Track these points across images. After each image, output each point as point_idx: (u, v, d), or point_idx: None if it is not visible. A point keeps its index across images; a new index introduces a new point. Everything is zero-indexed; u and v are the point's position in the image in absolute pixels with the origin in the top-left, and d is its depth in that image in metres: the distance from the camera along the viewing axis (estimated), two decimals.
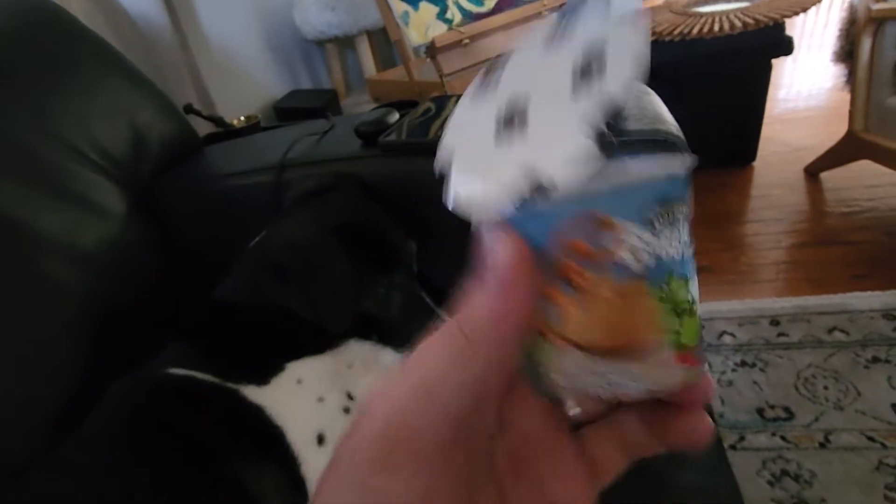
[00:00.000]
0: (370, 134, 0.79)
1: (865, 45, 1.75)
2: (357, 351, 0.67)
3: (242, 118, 1.44)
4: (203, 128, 1.31)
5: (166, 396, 0.57)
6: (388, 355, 0.70)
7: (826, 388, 1.30)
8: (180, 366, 0.60)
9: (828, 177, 2.11)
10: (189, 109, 1.31)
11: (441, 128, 0.77)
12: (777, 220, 1.96)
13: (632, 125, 0.69)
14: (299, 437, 0.56)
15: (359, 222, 0.68)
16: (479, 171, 0.18)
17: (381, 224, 0.69)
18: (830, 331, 1.44)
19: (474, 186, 0.18)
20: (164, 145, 0.95)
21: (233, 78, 1.91)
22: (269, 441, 0.55)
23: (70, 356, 0.68)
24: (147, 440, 0.53)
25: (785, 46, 1.91)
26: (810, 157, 2.13)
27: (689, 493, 0.57)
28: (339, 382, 0.62)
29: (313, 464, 0.55)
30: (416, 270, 0.70)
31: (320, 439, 0.56)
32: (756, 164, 2.29)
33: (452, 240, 0.79)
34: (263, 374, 0.59)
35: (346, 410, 0.60)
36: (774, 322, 1.51)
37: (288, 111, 1.99)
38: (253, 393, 0.57)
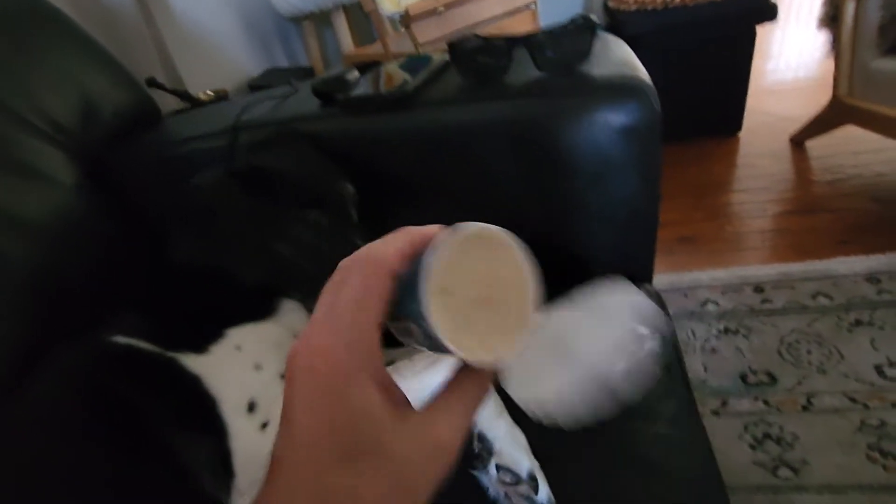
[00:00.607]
0: (328, 93, 0.76)
1: (849, 7, 1.71)
2: (298, 318, 0.64)
3: (210, 92, 1.39)
4: (172, 104, 1.26)
5: (105, 364, 0.55)
6: None
7: (809, 352, 1.29)
8: (124, 334, 0.57)
9: (813, 145, 2.09)
10: (152, 83, 1.25)
11: (402, 82, 0.74)
12: (763, 188, 1.94)
13: (598, 70, 0.67)
14: (231, 405, 0.53)
15: (269, 165, 0.65)
16: None
17: (307, 166, 0.66)
18: (814, 296, 1.43)
19: None
20: (119, 115, 0.91)
21: (204, 55, 1.85)
22: (202, 411, 0.53)
23: (14, 330, 0.65)
24: (81, 406, 0.51)
25: (769, 12, 1.87)
26: (797, 127, 2.11)
27: (656, 445, 0.55)
28: (282, 350, 0.60)
29: (241, 432, 0.53)
30: (356, 219, 0.67)
31: (251, 406, 0.54)
32: (742, 134, 2.26)
33: (405, 198, 0.80)
34: (203, 341, 0.56)
35: (283, 376, 0.57)
36: (758, 289, 1.49)
37: (263, 89, 1.94)
38: (192, 362, 0.55)
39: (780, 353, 1.30)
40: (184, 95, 1.31)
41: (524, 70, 0.70)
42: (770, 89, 2.68)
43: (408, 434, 0.22)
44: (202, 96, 1.35)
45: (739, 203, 1.91)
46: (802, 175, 2.00)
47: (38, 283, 0.69)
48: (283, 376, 0.59)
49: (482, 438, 0.53)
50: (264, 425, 0.53)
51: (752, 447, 1.11)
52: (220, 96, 1.35)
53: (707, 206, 1.90)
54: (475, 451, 0.53)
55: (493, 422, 0.54)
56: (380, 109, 0.72)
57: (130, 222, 0.83)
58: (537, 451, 0.54)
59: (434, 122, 0.71)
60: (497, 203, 0.74)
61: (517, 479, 0.51)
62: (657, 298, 0.76)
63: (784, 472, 1.06)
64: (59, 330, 0.66)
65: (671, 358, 0.68)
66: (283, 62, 2.31)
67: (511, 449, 0.52)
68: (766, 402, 1.20)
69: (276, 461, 0.23)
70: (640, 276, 0.79)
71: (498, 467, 0.51)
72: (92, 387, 0.52)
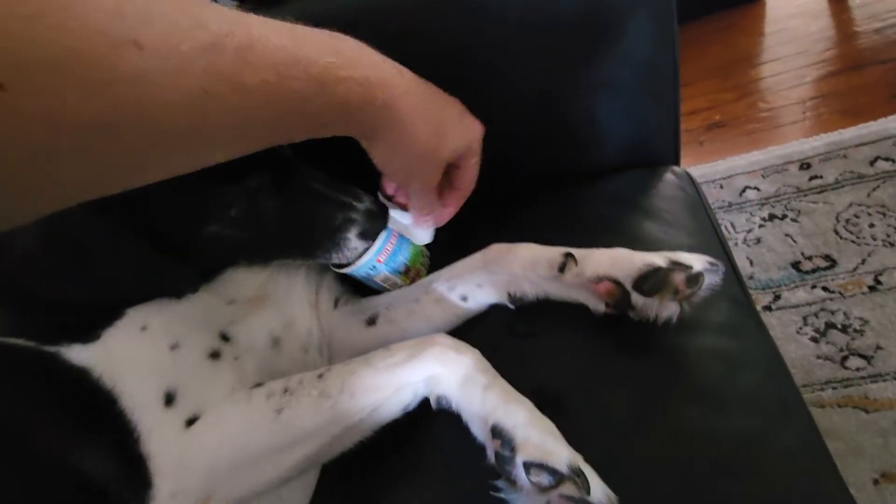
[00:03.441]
0: None
1: None
2: (240, 282, 0.52)
3: None
4: None
5: None
6: (285, 281, 0.55)
7: (872, 225, 1.12)
8: None
9: None
10: None
11: None
12: (798, 53, 1.69)
13: None
14: (138, 399, 0.42)
15: None
16: None
17: None
18: (872, 161, 1.24)
19: None
20: None
21: None
22: (96, 410, 0.42)
23: None
24: None
25: None
26: None
27: (711, 362, 0.43)
28: (210, 322, 0.48)
29: (158, 431, 0.41)
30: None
31: (168, 398, 0.43)
32: None
33: None
34: (93, 326, 0.45)
35: (215, 355, 0.46)
36: (805, 165, 1.31)
37: None
38: (78, 353, 0.43)
39: (836, 233, 1.14)
40: None
41: None
42: None
43: None
44: None
45: (772, 75, 1.68)
46: (844, 29, 1.73)
47: None
48: (213, 355, 0.45)
49: (498, 432, 0.39)
50: (191, 421, 0.42)
51: (814, 340, 0.98)
52: None
53: (735, 85, 1.68)
54: (494, 452, 0.39)
55: (505, 407, 0.40)
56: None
57: None
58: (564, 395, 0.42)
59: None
60: (476, 81, 0.59)
61: (558, 478, 0.36)
62: (689, 182, 0.61)
63: (854, 361, 0.93)
64: None
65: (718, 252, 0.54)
66: None
67: (540, 437, 0.38)
68: (825, 289, 1.05)
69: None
70: (663, 157, 0.64)
71: (528, 466, 0.37)
72: None
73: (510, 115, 0.61)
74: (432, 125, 0.41)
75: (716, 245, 0.54)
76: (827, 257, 1.10)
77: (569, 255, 0.45)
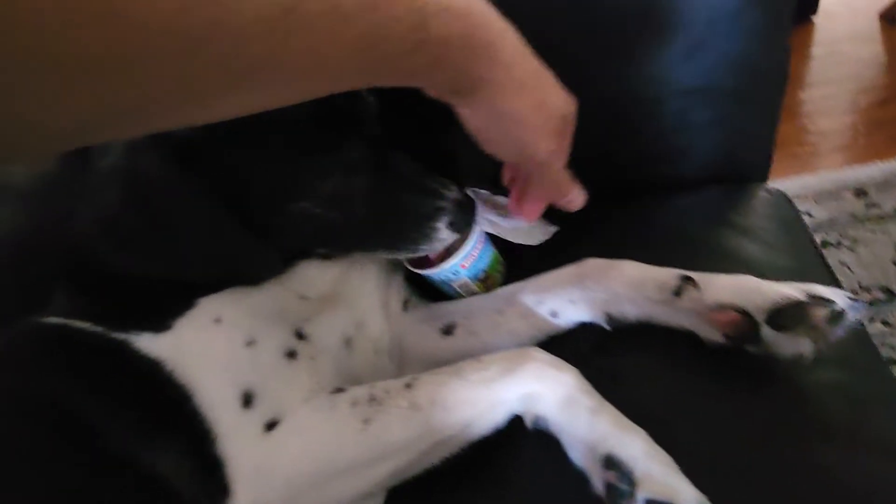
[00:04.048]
0: None
1: None
2: (313, 278, 0.48)
3: None
4: None
5: (32, 354, 0.42)
6: (359, 278, 0.52)
7: None
8: (58, 313, 0.44)
9: None
10: None
11: None
12: (849, 77, 1.65)
13: None
14: (214, 397, 0.39)
15: None
16: None
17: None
18: None
19: None
20: None
21: None
22: (169, 407, 0.39)
23: None
24: (5, 412, 0.39)
25: None
26: (888, 1, 1.78)
27: (832, 393, 0.39)
28: (284, 318, 0.44)
29: (236, 435, 0.38)
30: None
31: (247, 399, 0.39)
32: (816, 18, 1.93)
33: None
34: (164, 315, 0.42)
35: (291, 354, 0.42)
36: (861, 192, 1.26)
37: None
38: (149, 343, 0.41)
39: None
40: None
41: None
42: None
43: None
44: None
45: (822, 98, 1.63)
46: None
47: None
48: (289, 354, 0.42)
49: (614, 463, 0.35)
50: (270, 425, 0.39)
51: None
52: None
53: (783, 106, 1.63)
54: (607, 484, 0.35)
55: (620, 436, 0.36)
56: None
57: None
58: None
59: None
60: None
61: None
62: (786, 201, 0.58)
63: None
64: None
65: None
66: None
67: (663, 473, 0.33)
68: (884, 323, 1.01)
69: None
70: (752, 172, 0.61)
71: None
72: (16, 384, 0.41)
73: (589, 115, 0.58)
74: (534, 79, 0.36)
75: (821, 270, 0.50)
76: (886, 289, 1.06)
77: (687, 279, 0.42)
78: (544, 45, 0.53)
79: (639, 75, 0.53)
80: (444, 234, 0.47)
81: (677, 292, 0.41)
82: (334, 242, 0.48)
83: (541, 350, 0.42)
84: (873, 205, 1.23)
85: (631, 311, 0.44)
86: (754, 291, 0.39)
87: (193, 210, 0.41)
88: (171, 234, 0.42)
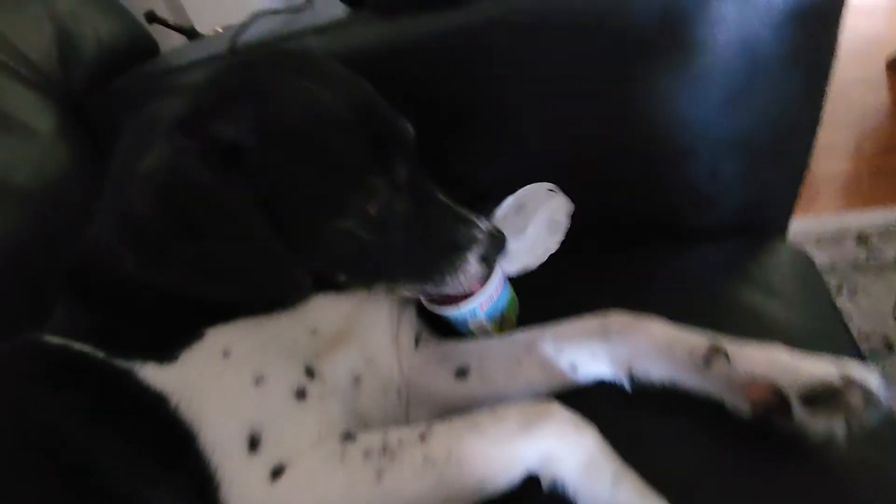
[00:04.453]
0: None
1: None
2: (326, 310, 0.46)
3: (220, 29, 1.21)
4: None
5: (31, 377, 0.40)
6: (372, 313, 0.50)
7: None
8: (59, 331, 0.42)
9: None
10: (152, 18, 1.08)
11: None
12: (855, 123, 1.66)
13: None
14: (220, 437, 0.37)
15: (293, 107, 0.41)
16: None
17: (361, 96, 0.44)
18: None
19: None
20: (105, 51, 0.74)
21: None
22: (173, 445, 0.37)
23: None
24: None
25: None
26: (893, 48, 1.80)
27: (865, 473, 0.38)
28: (295, 353, 0.42)
29: (240, 481, 0.36)
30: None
31: (253, 442, 0.37)
32: None
33: (455, 125, 0.56)
34: (170, 345, 0.40)
35: (301, 394, 0.40)
36: (862, 239, 1.27)
37: None
38: (153, 374, 0.38)
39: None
40: (189, 32, 1.14)
41: None
42: (858, 8, 2.33)
43: None
44: (211, 34, 1.18)
45: (827, 141, 1.63)
46: None
47: (5, 252, 0.55)
48: (299, 394, 0.39)
49: None
50: (277, 471, 0.36)
51: None
52: None
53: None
54: None
55: (613, 489, 0.36)
56: (422, 6, 0.53)
57: None
58: None
59: (491, 19, 0.51)
60: (578, 125, 0.55)
61: None
62: (807, 260, 0.57)
63: None
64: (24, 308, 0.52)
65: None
66: None
67: None
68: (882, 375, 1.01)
69: None
70: (774, 227, 0.60)
71: None
72: (12, 407, 0.38)
73: (622, 160, 0.57)
74: None
75: (842, 335, 0.50)
76: (886, 340, 1.06)
77: (718, 347, 0.40)
78: (582, 86, 0.53)
79: (675, 123, 0.52)
80: (474, 267, 0.46)
81: (708, 360, 0.40)
82: (363, 269, 0.46)
83: (561, 405, 0.41)
84: (874, 252, 1.23)
85: (656, 372, 0.42)
86: (789, 368, 0.37)
87: (233, 219, 0.38)
88: (204, 244, 0.39)
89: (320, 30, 0.58)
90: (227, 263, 0.40)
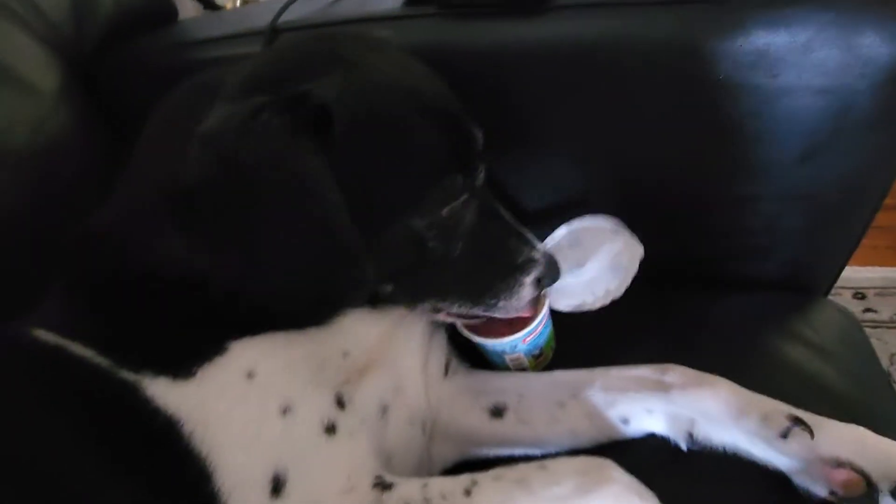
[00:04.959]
0: None
1: None
2: (359, 330, 0.41)
3: (238, 2, 1.15)
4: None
5: (20, 382, 0.34)
6: (409, 330, 0.46)
7: None
8: (53, 327, 0.36)
9: None
10: None
11: None
12: None
13: None
14: (239, 478, 0.31)
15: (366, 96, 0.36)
16: None
17: (444, 92, 0.41)
18: None
19: None
20: (123, 10, 0.68)
21: None
22: (183, 483, 0.31)
23: None
24: None
25: None
26: None
27: None
28: (325, 379, 0.37)
29: None
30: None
31: (276, 485, 0.32)
32: None
33: (536, 139, 0.52)
34: (188, 357, 0.34)
35: (330, 429, 0.35)
36: (859, 295, 1.28)
37: None
38: (165, 392, 0.33)
39: (889, 375, 1.10)
40: (207, 2, 1.07)
41: None
42: None
43: None
44: (228, 5, 1.12)
45: None
46: None
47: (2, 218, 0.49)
48: (329, 429, 0.33)
49: None
50: None
51: None
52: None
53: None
54: None
55: None
56: (500, 11, 0.49)
57: (121, 144, 0.62)
58: None
59: (574, 34, 0.48)
60: (634, 160, 0.52)
61: None
62: (856, 323, 0.55)
63: None
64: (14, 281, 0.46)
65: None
66: None
67: None
68: None
69: None
70: (820, 285, 0.58)
71: None
72: None
73: (688, 203, 0.54)
74: None
75: (892, 407, 0.47)
76: None
77: (799, 421, 0.37)
78: (644, 116, 0.50)
79: (742, 168, 0.49)
80: (528, 291, 0.42)
81: (785, 434, 0.37)
82: (417, 280, 0.42)
83: (619, 467, 0.37)
84: (870, 310, 1.24)
85: (719, 437, 0.39)
86: (880, 453, 0.35)
87: (308, 192, 0.32)
88: (269, 220, 0.33)
89: (373, 20, 0.53)
90: (291, 246, 0.33)
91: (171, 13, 0.78)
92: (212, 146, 0.32)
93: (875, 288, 1.30)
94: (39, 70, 0.57)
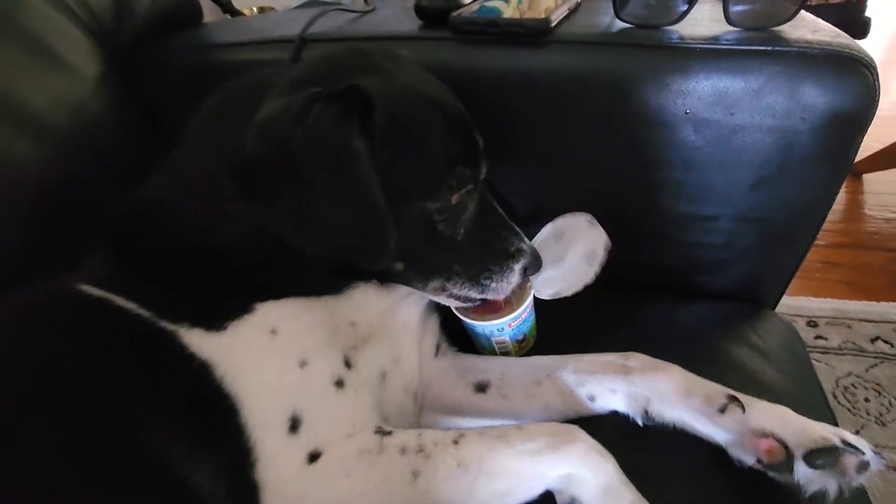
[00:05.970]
0: (437, 12, 0.60)
1: None
2: (367, 303, 0.47)
3: (255, 9, 1.21)
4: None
5: (69, 328, 0.39)
6: (409, 309, 0.52)
7: (867, 400, 1.18)
8: (98, 282, 0.41)
9: (871, 179, 1.98)
10: None
11: (542, 17, 0.58)
12: None
13: (804, 34, 0.52)
14: (262, 415, 0.37)
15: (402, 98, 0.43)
16: None
17: (454, 101, 0.48)
18: (873, 340, 1.32)
19: None
20: (158, 9, 0.74)
21: None
22: (214, 417, 0.37)
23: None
24: (32, 389, 0.36)
25: (860, 28, 1.73)
26: (860, 156, 1.99)
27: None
28: (336, 341, 0.43)
29: (277, 461, 0.36)
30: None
31: (294, 423, 0.38)
32: None
33: (528, 151, 0.59)
34: (220, 313, 0.40)
35: (339, 383, 0.41)
36: (812, 323, 1.38)
37: None
38: (199, 340, 0.38)
39: (834, 397, 1.20)
40: (226, 6, 1.13)
41: (704, 20, 0.55)
42: None
43: None
44: (246, 12, 1.18)
45: None
46: (854, 208, 1.88)
47: (42, 191, 0.53)
48: (338, 383, 0.40)
49: None
50: (314, 456, 0.37)
51: None
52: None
53: None
54: None
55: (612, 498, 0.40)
56: (505, 42, 0.56)
57: (153, 133, 0.67)
58: None
59: (567, 66, 0.55)
60: (612, 178, 0.60)
61: None
62: (796, 334, 0.63)
63: None
64: (53, 254, 0.50)
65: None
66: None
67: None
68: None
69: None
70: (767, 297, 0.66)
71: None
72: (49, 359, 0.37)
73: (652, 221, 0.61)
74: None
75: (825, 411, 0.55)
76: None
77: (734, 399, 0.44)
78: (619, 139, 0.57)
79: (704, 192, 0.57)
80: (516, 278, 0.49)
81: (722, 409, 0.44)
82: (427, 259, 0.47)
83: (583, 431, 0.43)
84: (821, 337, 1.34)
85: (669, 414, 0.46)
86: (797, 427, 0.42)
87: (356, 169, 0.38)
88: (320, 190, 0.38)
89: (393, 38, 0.60)
90: (335, 213, 0.39)
91: (198, 15, 0.84)
92: (273, 127, 0.38)
93: (826, 317, 1.40)
94: (83, 57, 0.62)
